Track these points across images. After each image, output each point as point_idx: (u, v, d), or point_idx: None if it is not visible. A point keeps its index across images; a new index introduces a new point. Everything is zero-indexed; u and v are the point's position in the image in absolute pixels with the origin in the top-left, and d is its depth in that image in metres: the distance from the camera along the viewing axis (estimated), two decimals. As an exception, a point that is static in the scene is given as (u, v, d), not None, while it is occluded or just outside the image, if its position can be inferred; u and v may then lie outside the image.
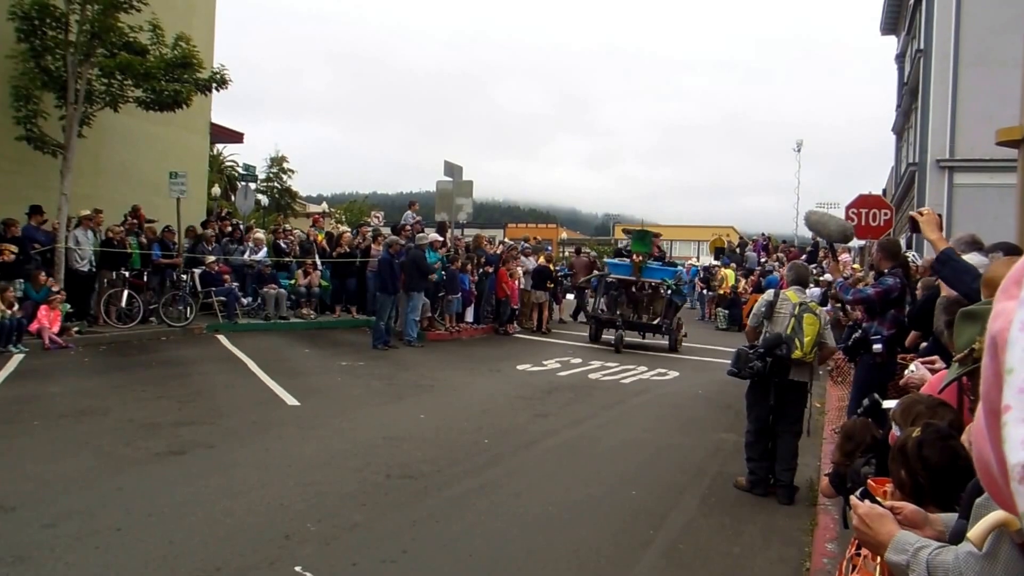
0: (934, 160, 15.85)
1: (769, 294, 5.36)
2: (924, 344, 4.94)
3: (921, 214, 3.21)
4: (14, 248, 9.81)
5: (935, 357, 3.97)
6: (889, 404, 2.85)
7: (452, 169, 14.28)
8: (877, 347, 4.90)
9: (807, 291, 5.35)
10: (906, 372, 3.88)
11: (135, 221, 12.23)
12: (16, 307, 9.36)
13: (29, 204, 10.85)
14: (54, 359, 8.95)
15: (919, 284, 5.65)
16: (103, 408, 6.48)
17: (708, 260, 21.65)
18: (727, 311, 17.31)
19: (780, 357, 4.81)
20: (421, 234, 13.48)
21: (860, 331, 5.21)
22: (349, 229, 15.63)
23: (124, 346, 10.16)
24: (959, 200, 15.52)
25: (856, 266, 14.49)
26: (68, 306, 10.41)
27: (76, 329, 10.31)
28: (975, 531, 1.17)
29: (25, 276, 10.00)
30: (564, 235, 44.21)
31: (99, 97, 11.44)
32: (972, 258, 3.71)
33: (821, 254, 18.02)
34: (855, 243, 14.46)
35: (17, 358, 8.75)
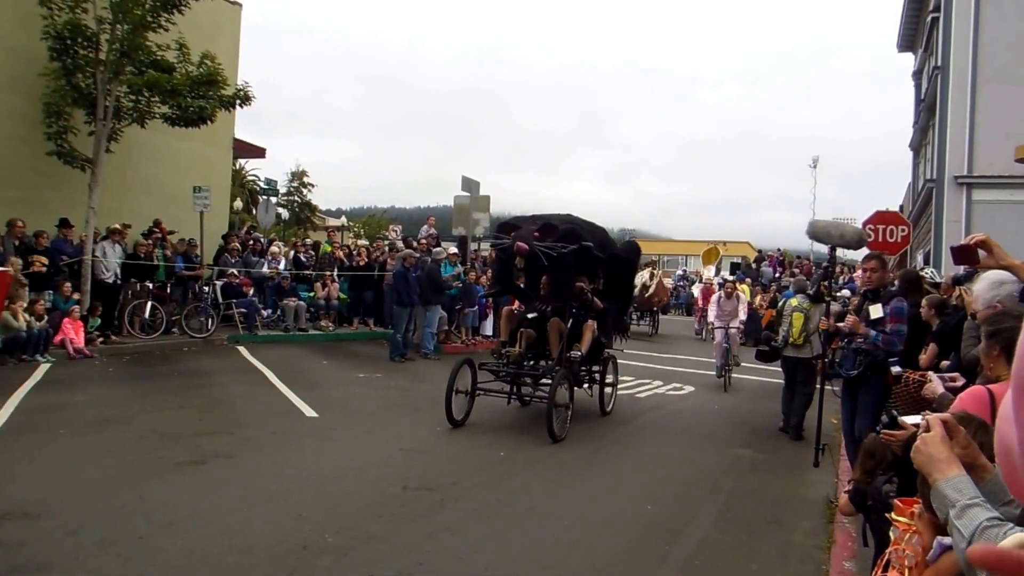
0: (952, 176, 15.70)
1: (780, 304, 7.69)
2: (946, 362, 4.88)
3: (986, 242, 2.82)
4: (44, 260, 10.03)
5: (956, 375, 3.92)
6: (913, 419, 2.82)
7: (469, 184, 14.38)
8: (896, 369, 4.80)
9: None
10: (926, 385, 3.85)
11: (159, 234, 12.46)
12: (45, 319, 9.55)
13: (59, 217, 11.10)
14: (79, 369, 9.09)
15: (924, 301, 5.57)
16: (126, 417, 6.57)
17: (705, 272, 21.07)
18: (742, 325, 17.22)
19: (773, 346, 7.43)
20: (438, 248, 13.57)
21: (867, 356, 5.00)
22: (367, 243, 15.77)
23: (147, 356, 10.30)
24: (977, 217, 15.33)
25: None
26: (99, 320, 10.59)
27: (101, 340, 10.48)
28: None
29: (53, 288, 10.22)
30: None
31: (127, 113, 11.72)
32: (1000, 273, 3.66)
33: (837, 270, 17.85)
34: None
35: (43, 367, 8.90)
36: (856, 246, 5.88)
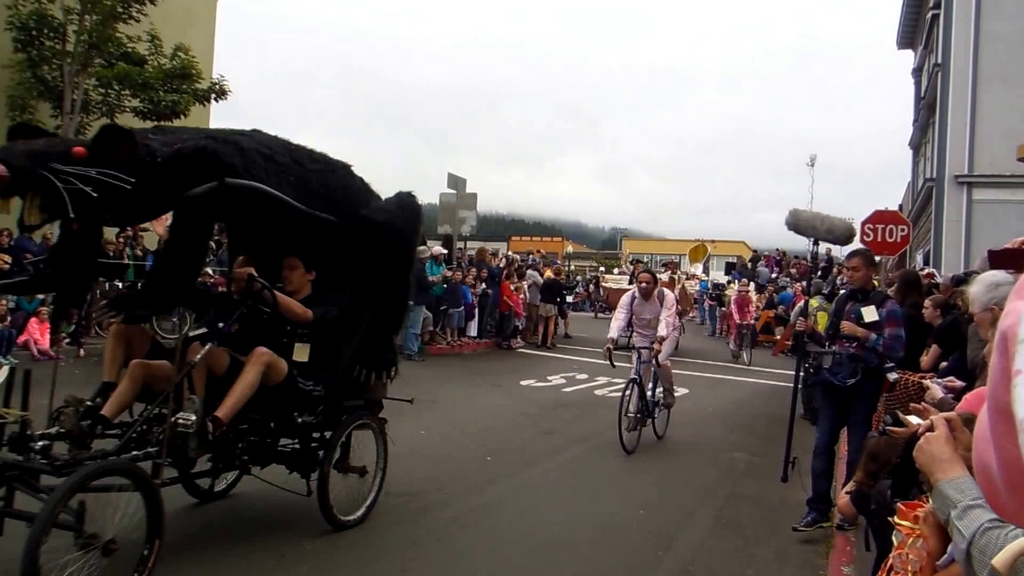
0: (952, 175, 15.90)
1: (802, 305, 6.95)
2: (944, 364, 4.93)
3: None
4: (7, 258, 9.92)
5: (952, 378, 3.97)
6: (916, 419, 2.84)
7: (456, 182, 14.40)
8: (893, 376, 4.69)
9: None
10: (927, 392, 3.89)
11: (129, 231, 12.35)
12: (8, 319, 9.44)
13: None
14: (44, 371, 8.93)
15: (928, 301, 5.61)
16: (94, 422, 6.49)
17: (692, 270, 20.69)
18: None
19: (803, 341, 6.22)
20: (422, 247, 13.55)
21: (861, 363, 4.68)
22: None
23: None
24: (978, 216, 15.56)
25: (875, 282, 14.36)
26: (73, 327, 10.45)
27: (67, 341, 10.35)
28: (1000, 557, 1.18)
29: (16, 287, 10.11)
30: (570, 248, 44.25)
31: (95, 107, 11.64)
32: (996, 274, 3.73)
33: (835, 271, 18.01)
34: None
35: (6, 370, 8.79)
36: (844, 241, 5.52)
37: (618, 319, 7.03)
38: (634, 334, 7.12)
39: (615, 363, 6.59)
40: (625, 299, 7.20)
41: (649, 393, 6.84)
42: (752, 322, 14.76)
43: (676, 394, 7.66)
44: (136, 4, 11.14)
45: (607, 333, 6.94)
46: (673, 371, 7.63)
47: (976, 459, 1.00)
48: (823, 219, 5.38)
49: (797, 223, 5.36)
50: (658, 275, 17.19)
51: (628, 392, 6.57)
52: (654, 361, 6.77)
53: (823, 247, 6.93)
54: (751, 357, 13.56)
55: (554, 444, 6.63)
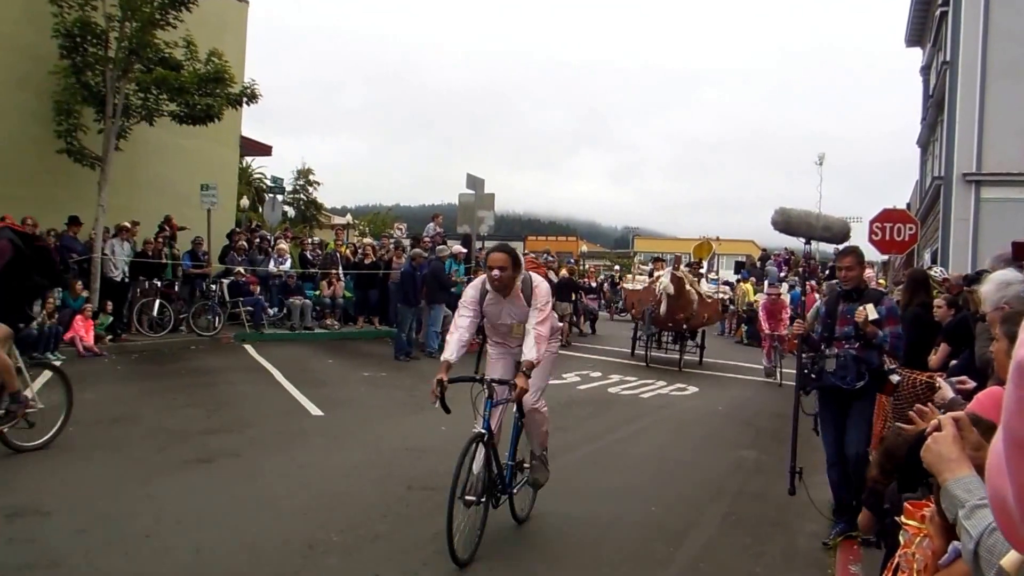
0: (960, 174, 15.55)
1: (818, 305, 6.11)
2: (954, 362, 4.83)
3: None
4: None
5: (964, 378, 3.89)
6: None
7: (474, 182, 14.37)
8: (896, 377, 4.52)
9: None
10: (937, 392, 3.81)
11: (168, 231, 12.51)
12: (56, 316, 9.63)
13: (68, 215, 11.16)
14: (88, 366, 9.14)
15: (941, 300, 5.51)
16: (135, 415, 6.61)
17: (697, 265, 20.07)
18: (747, 326, 17.03)
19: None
20: (442, 246, 13.57)
21: (864, 364, 4.44)
22: (373, 241, 15.77)
23: (155, 354, 10.35)
24: (986, 215, 15.20)
25: (882, 280, 14.15)
26: (110, 318, 10.64)
27: (109, 337, 10.53)
28: (1009, 558, 1.15)
29: (63, 285, 10.28)
30: (584, 247, 44.01)
31: (136, 111, 11.76)
32: (1007, 273, 3.65)
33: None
34: (879, 257, 14.05)
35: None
36: (842, 239, 5.22)
37: (459, 327, 4.22)
38: (488, 351, 4.51)
39: (448, 407, 4.00)
40: (470, 293, 4.39)
41: (506, 456, 4.20)
42: (786, 332, 10.33)
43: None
44: (173, 11, 11.23)
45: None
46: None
47: (991, 493, 0.96)
48: (818, 217, 5.02)
49: (789, 222, 4.90)
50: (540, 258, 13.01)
51: (469, 459, 3.87)
52: (515, 404, 4.11)
53: (824, 246, 6.59)
54: (782, 375, 10.60)
55: (567, 442, 6.60)
